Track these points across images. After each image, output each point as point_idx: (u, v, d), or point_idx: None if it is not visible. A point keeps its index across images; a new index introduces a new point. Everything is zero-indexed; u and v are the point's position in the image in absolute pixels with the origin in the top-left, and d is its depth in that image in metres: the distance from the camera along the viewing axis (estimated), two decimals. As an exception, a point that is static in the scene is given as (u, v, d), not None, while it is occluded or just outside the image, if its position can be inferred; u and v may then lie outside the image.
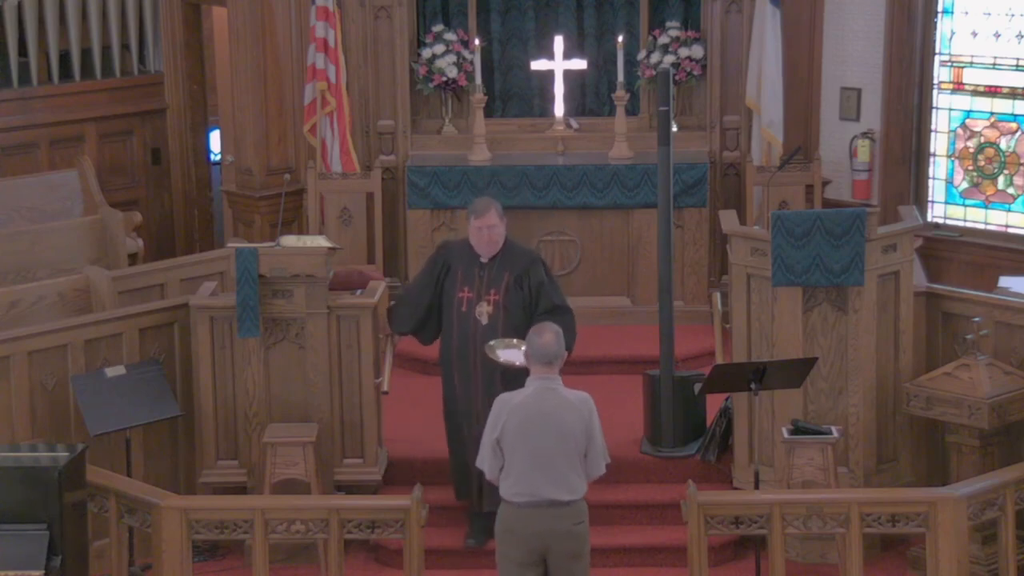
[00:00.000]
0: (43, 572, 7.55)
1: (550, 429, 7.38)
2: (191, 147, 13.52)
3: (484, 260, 8.82)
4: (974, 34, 11.66)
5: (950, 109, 11.80)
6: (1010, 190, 11.62)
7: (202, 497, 9.09)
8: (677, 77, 11.54)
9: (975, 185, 11.76)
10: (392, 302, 9.37)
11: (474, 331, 8.76)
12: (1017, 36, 11.45)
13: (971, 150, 11.74)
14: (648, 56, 11.77)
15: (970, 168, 11.75)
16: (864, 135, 11.97)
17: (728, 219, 9.54)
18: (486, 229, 8.74)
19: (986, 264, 11.46)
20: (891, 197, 11.73)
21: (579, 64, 11.76)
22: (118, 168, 13.37)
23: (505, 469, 7.43)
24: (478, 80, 11.59)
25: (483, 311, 8.75)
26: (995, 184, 11.68)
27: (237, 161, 12.45)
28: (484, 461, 7.54)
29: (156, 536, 8.15)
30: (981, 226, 11.72)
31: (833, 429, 8.70)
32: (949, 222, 11.88)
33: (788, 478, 8.63)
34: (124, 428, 8.92)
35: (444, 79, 11.78)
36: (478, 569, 8.87)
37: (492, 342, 8.59)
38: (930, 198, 11.93)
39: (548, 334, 7.50)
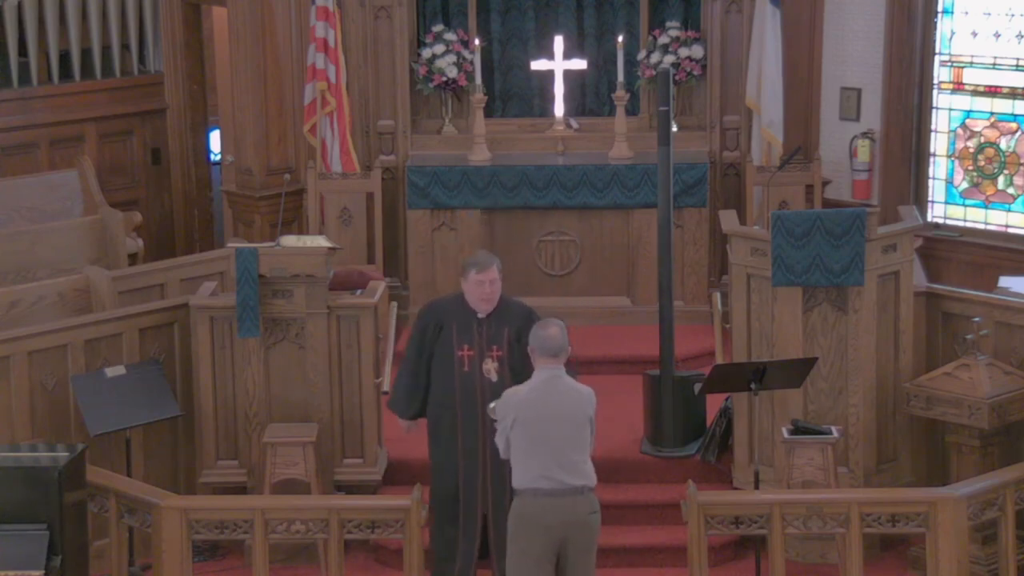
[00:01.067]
0: (43, 572, 7.55)
1: (561, 417, 7.48)
2: (191, 147, 13.51)
3: (481, 316, 8.39)
4: (974, 34, 11.65)
5: (950, 109, 11.79)
6: (1010, 190, 11.62)
7: (202, 497, 9.08)
8: (677, 77, 11.53)
9: (975, 185, 11.75)
10: (389, 389, 8.95)
11: (480, 389, 8.30)
12: (1017, 36, 11.45)
13: (971, 150, 11.73)
14: (648, 56, 11.77)
15: (970, 168, 11.74)
16: (864, 135, 11.96)
17: (728, 219, 9.54)
18: (488, 284, 8.30)
19: (986, 264, 11.45)
20: (891, 197, 11.72)
21: (579, 64, 11.75)
22: (118, 168, 13.36)
23: (519, 460, 7.50)
24: (478, 80, 11.58)
25: (490, 368, 8.27)
26: (995, 184, 11.67)
27: (237, 161, 12.45)
28: (499, 445, 7.67)
29: (156, 536, 8.14)
30: (981, 226, 11.71)
31: (833, 429, 8.70)
32: (949, 222, 11.87)
33: (788, 478, 8.63)
34: (124, 428, 8.92)
35: (444, 79, 11.78)
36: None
37: (492, 404, 7.92)
38: (930, 198, 11.92)
39: (553, 327, 7.57)
